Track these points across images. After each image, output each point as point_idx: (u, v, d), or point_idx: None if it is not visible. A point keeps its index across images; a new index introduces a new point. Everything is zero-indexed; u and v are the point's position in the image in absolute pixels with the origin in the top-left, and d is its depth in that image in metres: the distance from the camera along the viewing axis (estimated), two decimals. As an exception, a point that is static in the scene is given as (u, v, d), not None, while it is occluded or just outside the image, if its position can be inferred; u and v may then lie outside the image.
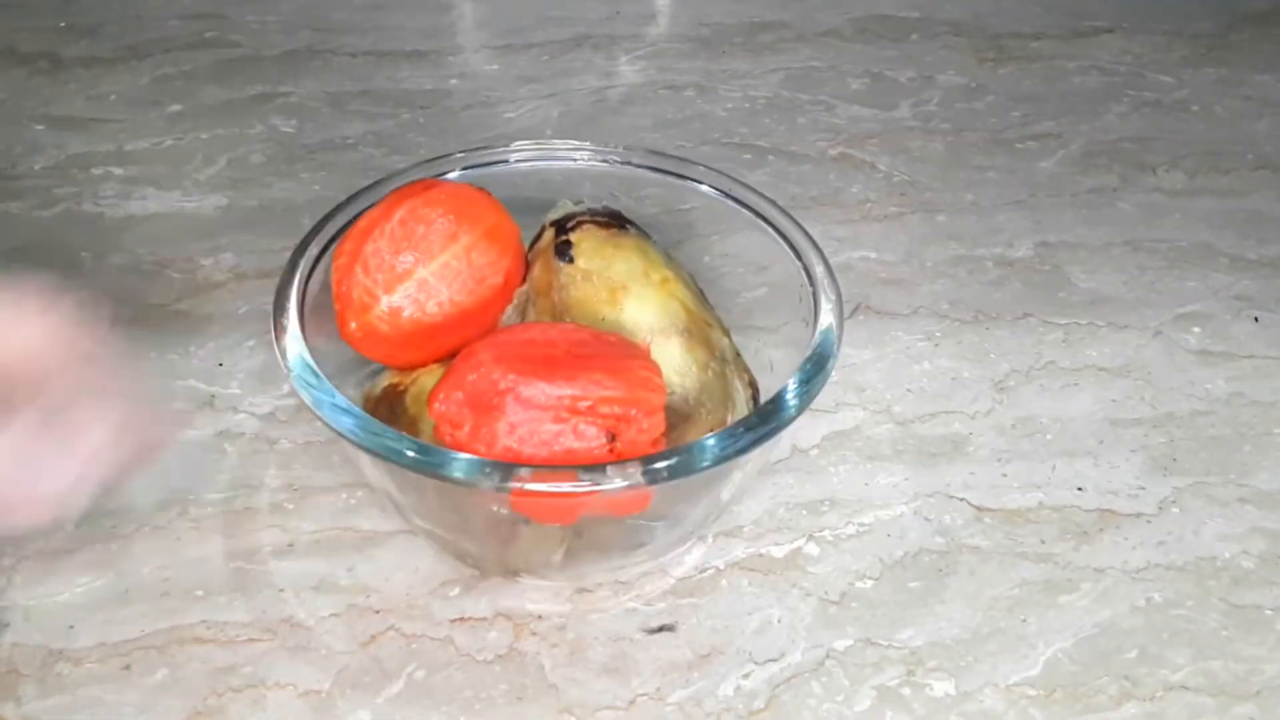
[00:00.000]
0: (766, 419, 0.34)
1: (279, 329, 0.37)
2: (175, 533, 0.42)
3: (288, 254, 0.40)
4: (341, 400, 0.34)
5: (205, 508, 0.43)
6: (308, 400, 0.34)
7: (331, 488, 0.44)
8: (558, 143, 0.46)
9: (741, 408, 0.40)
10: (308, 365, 0.35)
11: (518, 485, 0.32)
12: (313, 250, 0.40)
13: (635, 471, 0.32)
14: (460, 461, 0.32)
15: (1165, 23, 0.83)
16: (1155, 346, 0.54)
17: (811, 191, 0.63)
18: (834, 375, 0.37)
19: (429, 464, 0.32)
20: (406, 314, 0.38)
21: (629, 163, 0.45)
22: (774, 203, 0.44)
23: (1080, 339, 0.54)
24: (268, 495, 0.44)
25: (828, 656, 0.39)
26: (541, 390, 0.33)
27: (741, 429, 0.34)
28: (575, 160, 0.46)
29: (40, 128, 0.65)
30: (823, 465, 0.46)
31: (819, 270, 0.41)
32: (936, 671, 0.39)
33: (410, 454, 0.32)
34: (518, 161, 0.45)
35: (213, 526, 0.42)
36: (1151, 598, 0.42)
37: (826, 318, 0.39)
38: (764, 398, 0.41)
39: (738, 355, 0.42)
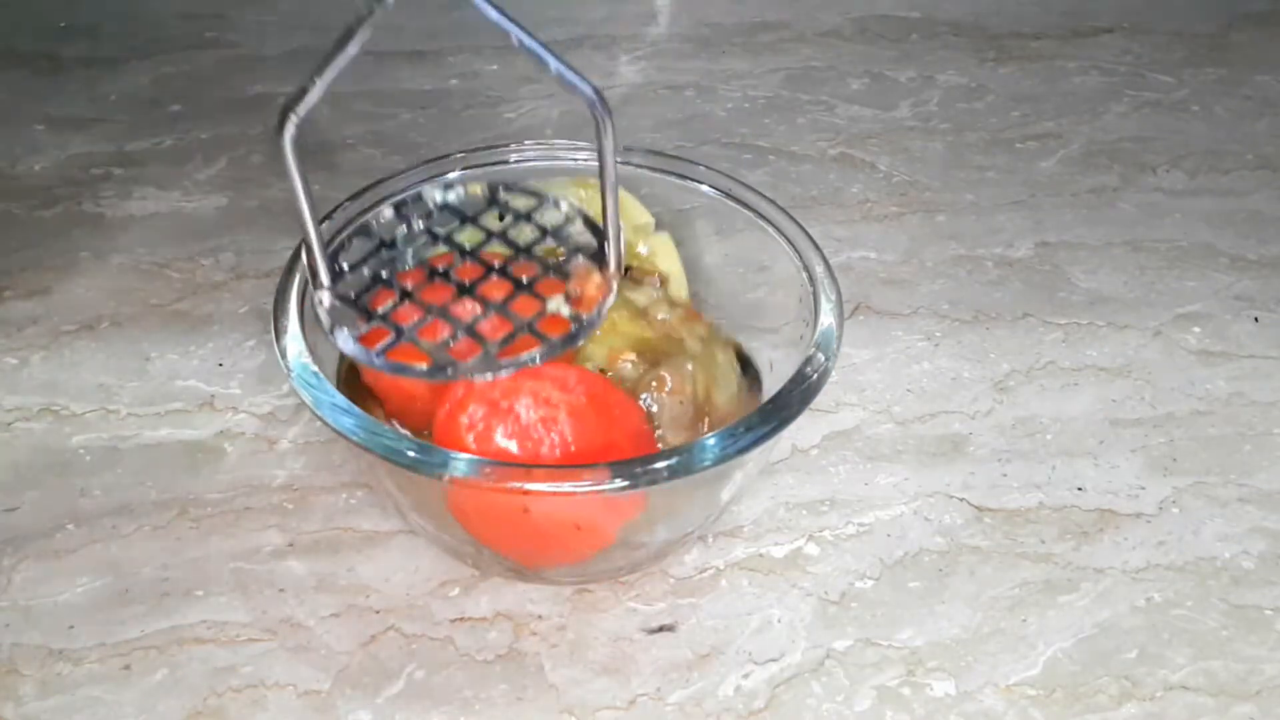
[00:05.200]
0: (767, 419, 0.34)
1: (279, 329, 0.37)
2: (175, 533, 0.42)
3: (288, 254, 0.40)
4: (341, 400, 0.34)
5: (205, 508, 0.43)
6: (308, 400, 0.34)
7: (331, 488, 0.44)
8: (559, 143, 0.46)
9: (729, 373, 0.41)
10: (307, 365, 0.35)
11: (518, 486, 0.32)
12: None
13: (636, 472, 0.32)
14: (460, 462, 0.32)
15: (1165, 23, 0.83)
16: (1155, 346, 0.54)
17: (811, 191, 0.63)
18: (834, 375, 0.37)
19: (429, 464, 0.32)
20: None
21: (629, 163, 0.45)
22: (774, 202, 0.44)
23: (1080, 339, 0.54)
24: (268, 495, 0.44)
25: (828, 656, 0.39)
26: None
27: (742, 429, 0.34)
28: (575, 160, 0.45)
29: (40, 128, 0.65)
30: (823, 465, 0.46)
31: (819, 270, 0.41)
32: (936, 671, 0.39)
33: (410, 454, 0.32)
34: (517, 162, 0.45)
35: (213, 526, 0.42)
36: (1151, 598, 0.42)
37: (826, 317, 0.39)
38: (764, 397, 0.41)
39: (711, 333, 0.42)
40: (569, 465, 0.35)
